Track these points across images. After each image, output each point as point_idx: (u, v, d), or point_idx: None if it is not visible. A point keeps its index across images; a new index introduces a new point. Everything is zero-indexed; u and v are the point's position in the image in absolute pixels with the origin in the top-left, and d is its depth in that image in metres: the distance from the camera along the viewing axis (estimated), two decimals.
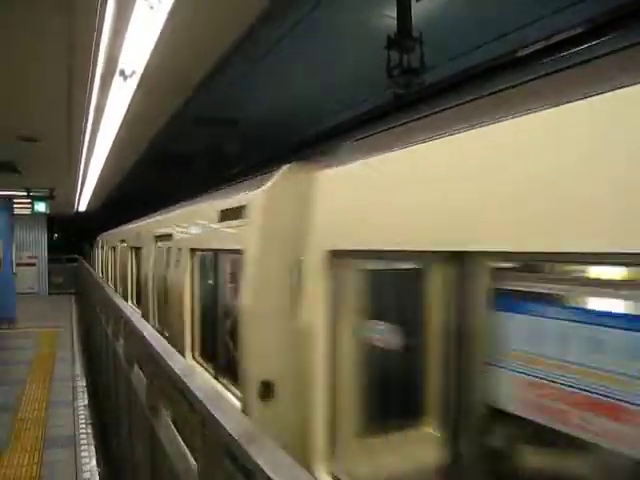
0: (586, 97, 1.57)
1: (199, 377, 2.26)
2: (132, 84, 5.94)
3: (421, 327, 2.47)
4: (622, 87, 1.47)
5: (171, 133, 9.04)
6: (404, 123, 2.60)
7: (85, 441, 6.23)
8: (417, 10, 4.64)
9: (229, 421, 1.68)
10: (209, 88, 6.98)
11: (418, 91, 4.34)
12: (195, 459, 2.24)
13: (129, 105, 6.74)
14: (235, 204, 4.00)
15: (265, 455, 1.43)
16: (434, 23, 5.04)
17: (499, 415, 1.86)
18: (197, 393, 2.00)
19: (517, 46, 3.04)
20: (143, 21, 4.50)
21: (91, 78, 5.35)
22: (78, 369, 9.69)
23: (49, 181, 13.56)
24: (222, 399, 1.91)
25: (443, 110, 2.38)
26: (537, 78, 1.98)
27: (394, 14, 4.70)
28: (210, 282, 5.28)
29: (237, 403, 3.37)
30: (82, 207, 21.91)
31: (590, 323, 1.64)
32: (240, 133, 9.54)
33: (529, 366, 1.79)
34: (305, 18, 5.58)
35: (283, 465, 1.39)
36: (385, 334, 2.67)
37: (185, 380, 2.19)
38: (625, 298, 1.61)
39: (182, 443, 2.64)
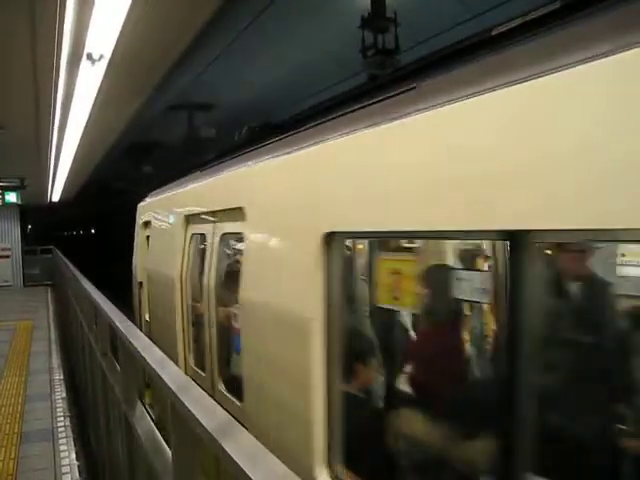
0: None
1: (173, 368, 2.19)
2: (101, 68, 5.77)
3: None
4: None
5: (144, 118, 8.86)
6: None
7: (64, 434, 6.12)
8: None
9: (203, 413, 1.63)
10: (181, 72, 6.83)
11: (394, 71, 4.28)
12: (171, 450, 2.19)
13: (99, 90, 6.57)
14: None
15: (239, 448, 1.38)
16: (408, 2, 4.98)
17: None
18: (170, 385, 1.94)
19: (493, 24, 2.99)
20: (109, 2, 4.35)
21: (57, 62, 5.18)
22: (55, 361, 9.52)
23: (19, 170, 13.25)
24: (197, 392, 1.85)
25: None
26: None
27: None
28: None
29: None
30: (55, 197, 21.51)
31: None
32: (215, 118, 9.40)
33: None
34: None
35: (258, 457, 1.34)
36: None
37: (158, 371, 2.13)
38: None
39: (158, 435, 2.59)
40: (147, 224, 7.05)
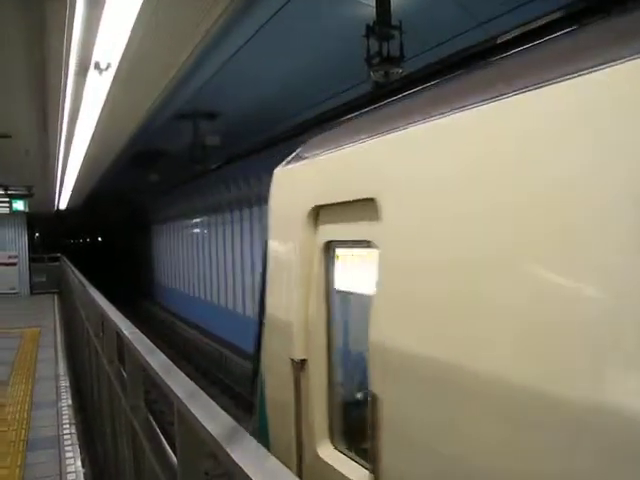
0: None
1: (179, 374, 2.20)
2: (108, 77, 5.81)
3: None
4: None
5: (150, 127, 8.91)
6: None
7: (70, 441, 6.11)
8: None
9: (209, 420, 1.63)
10: (187, 81, 6.88)
11: (398, 80, 4.30)
12: (176, 458, 2.19)
13: (106, 98, 6.61)
14: None
15: (246, 455, 1.37)
16: (413, 11, 5.00)
17: None
18: (176, 390, 1.95)
19: (497, 33, 3.01)
20: (117, 11, 4.39)
21: (65, 71, 5.22)
22: (61, 369, 9.54)
23: (27, 179, 13.33)
24: (203, 398, 1.85)
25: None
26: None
27: (372, 2, 4.65)
28: None
29: None
30: (63, 205, 21.62)
31: None
32: (220, 126, 9.43)
33: None
34: (283, 8, 5.49)
35: (265, 465, 1.34)
36: None
37: (164, 377, 2.14)
38: None
39: (164, 441, 2.59)
40: (326, 213, 2.65)
